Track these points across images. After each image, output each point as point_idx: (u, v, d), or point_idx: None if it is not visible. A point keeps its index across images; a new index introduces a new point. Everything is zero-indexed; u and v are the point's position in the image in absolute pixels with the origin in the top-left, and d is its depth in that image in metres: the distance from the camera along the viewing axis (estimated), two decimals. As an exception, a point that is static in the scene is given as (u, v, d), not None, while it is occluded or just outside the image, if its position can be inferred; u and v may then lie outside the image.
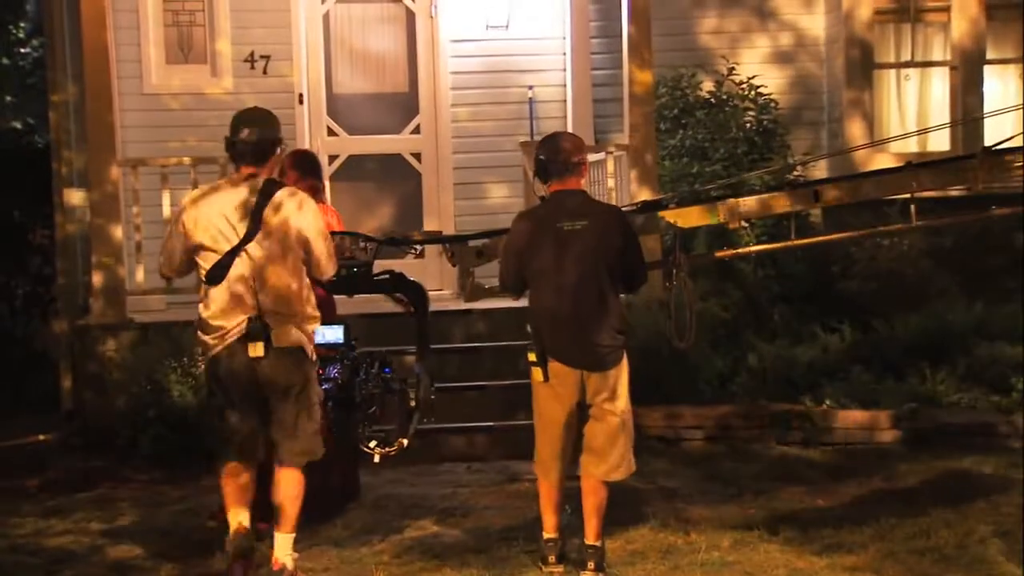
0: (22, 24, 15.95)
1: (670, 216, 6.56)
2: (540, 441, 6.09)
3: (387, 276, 6.56)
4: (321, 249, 5.88)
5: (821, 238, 8.49)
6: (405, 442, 6.42)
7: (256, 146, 5.86)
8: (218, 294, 5.73)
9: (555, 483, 6.07)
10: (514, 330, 9.10)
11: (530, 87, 11.18)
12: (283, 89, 10.90)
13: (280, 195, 5.82)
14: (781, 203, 6.60)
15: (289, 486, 5.88)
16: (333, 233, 6.30)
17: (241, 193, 5.80)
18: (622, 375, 6.01)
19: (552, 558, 6.10)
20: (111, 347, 9.17)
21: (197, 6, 10.94)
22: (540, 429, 6.08)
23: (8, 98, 15.14)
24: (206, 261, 5.76)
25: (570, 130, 10.74)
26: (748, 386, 9.10)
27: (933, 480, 7.65)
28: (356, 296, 6.99)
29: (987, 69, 11.43)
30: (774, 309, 9.88)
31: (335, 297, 6.93)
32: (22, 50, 15.89)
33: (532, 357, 5.93)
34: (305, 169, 7.19)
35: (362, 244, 6.40)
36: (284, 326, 5.75)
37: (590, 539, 6.02)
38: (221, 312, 5.73)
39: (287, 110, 10.57)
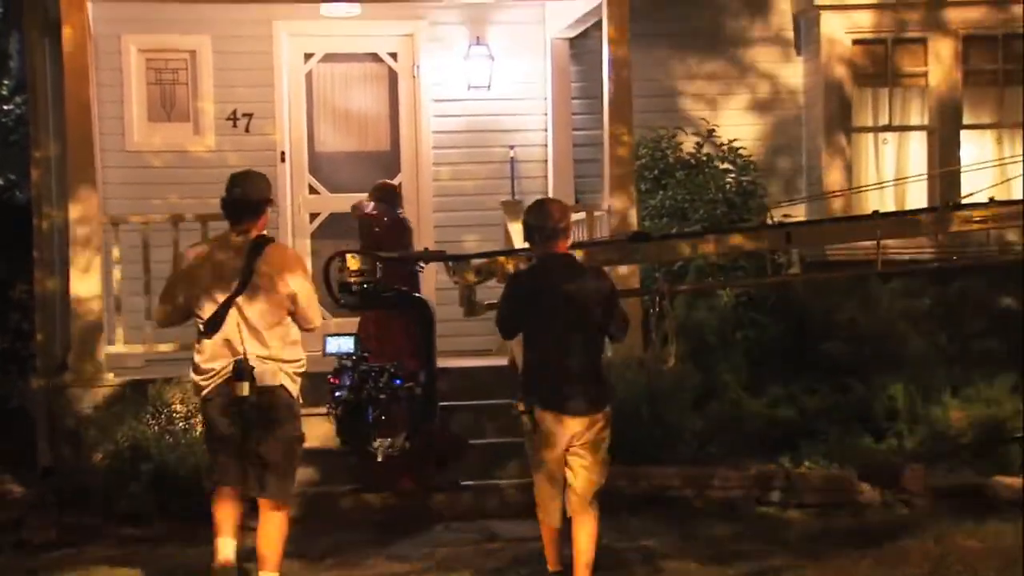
0: (5, 81, 16.00)
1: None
2: (538, 486, 6.43)
3: (394, 293, 7.00)
4: (305, 303, 6.30)
5: (798, 275, 8.81)
6: (408, 443, 6.93)
7: (247, 204, 6.31)
8: (211, 341, 6.19)
9: (554, 524, 6.43)
10: (493, 388, 9.08)
11: (511, 147, 11.24)
12: (265, 147, 10.94)
13: (269, 251, 6.27)
14: (756, 243, 7.14)
15: (272, 528, 6.24)
16: (346, 252, 6.61)
17: (234, 248, 6.25)
18: (607, 421, 6.39)
19: None
20: (88, 404, 9.11)
21: (180, 64, 10.99)
22: (536, 473, 6.42)
23: (-10, 154, 15.15)
24: (203, 312, 6.19)
25: (551, 190, 10.89)
26: (728, 446, 9.09)
27: (915, 542, 7.63)
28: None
29: (964, 134, 11.54)
30: (754, 369, 9.88)
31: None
32: (5, 107, 15.94)
33: (520, 407, 6.31)
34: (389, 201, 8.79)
35: (368, 264, 6.66)
36: (268, 367, 6.15)
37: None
38: (212, 357, 6.18)
39: (269, 168, 10.58)
